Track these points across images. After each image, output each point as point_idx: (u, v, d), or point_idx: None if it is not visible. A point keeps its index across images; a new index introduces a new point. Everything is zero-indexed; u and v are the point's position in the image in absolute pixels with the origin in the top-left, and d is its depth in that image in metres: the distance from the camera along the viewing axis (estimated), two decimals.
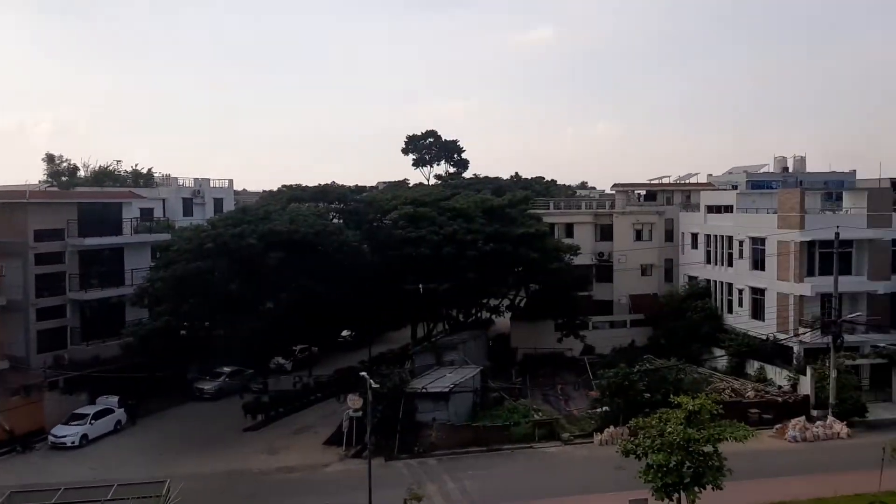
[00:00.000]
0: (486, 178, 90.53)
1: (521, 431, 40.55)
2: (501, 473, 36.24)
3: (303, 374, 51.71)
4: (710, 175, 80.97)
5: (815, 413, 42.46)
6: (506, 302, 59.79)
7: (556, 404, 46.78)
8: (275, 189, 63.15)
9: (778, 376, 46.46)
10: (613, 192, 69.45)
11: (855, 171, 76.93)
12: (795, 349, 45.96)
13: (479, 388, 45.20)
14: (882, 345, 43.91)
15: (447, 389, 41.31)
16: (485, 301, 58.90)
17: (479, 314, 61.39)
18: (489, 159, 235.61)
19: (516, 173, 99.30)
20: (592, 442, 40.27)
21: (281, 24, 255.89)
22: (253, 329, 42.93)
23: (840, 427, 40.63)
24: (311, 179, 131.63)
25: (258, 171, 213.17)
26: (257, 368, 52.05)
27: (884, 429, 39.49)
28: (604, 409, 42.02)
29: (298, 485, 35.54)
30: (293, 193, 57.99)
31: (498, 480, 35.17)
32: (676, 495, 27.82)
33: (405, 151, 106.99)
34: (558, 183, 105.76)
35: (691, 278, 58.95)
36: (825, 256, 45.30)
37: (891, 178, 66.91)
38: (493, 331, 62.96)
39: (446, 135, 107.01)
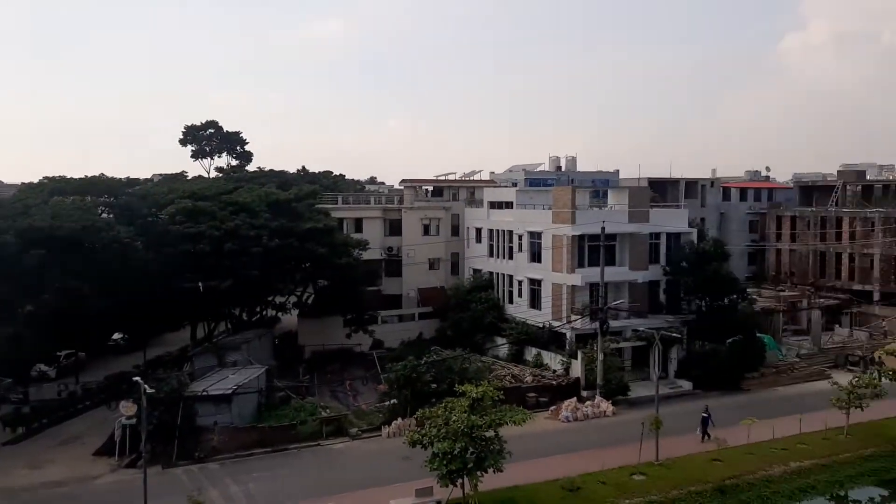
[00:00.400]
0: (272, 171, 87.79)
1: (309, 430, 39.92)
2: (288, 474, 35.42)
3: (69, 382, 47.47)
4: (493, 172, 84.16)
5: (585, 394, 45.70)
6: (293, 299, 58.64)
7: (345, 400, 46.62)
8: (35, 181, 57.26)
9: (553, 361, 49.45)
10: (402, 187, 70.43)
11: (618, 170, 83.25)
12: (568, 335, 49.15)
13: (265, 389, 43.91)
14: (641, 329, 48.08)
15: (229, 391, 39.69)
16: (270, 298, 57.39)
17: (264, 312, 59.67)
18: (275, 152, 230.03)
19: (303, 167, 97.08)
20: (381, 435, 40.51)
21: (49, 8, 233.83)
22: (10, 334, 38.96)
23: (606, 405, 44.04)
24: (77, 172, 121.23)
25: (17, 162, 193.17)
26: (16, 377, 46.98)
27: (643, 405, 43.24)
28: (392, 401, 42.43)
29: (65, 500, 32.59)
30: (56, 186, 52.90)
31: (284, 481, 34.33)
32: (460, 481, 28.77)
33: (183, 142, 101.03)
34: (347, 177, 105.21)
35: (476, 271, 61.17)
36: (593, 249, 48.78)
37: (648, 178, 73.63)
38: (279, 329, 61.54)
39: (229, 126, 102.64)
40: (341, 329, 55.39)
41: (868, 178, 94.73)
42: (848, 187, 78.94)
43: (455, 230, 65.02)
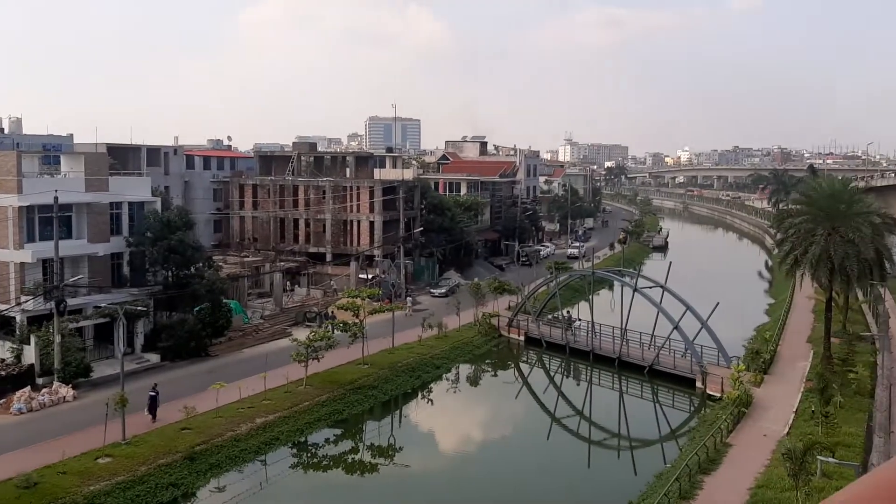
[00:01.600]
0: None
1: None
2: None
3: None
4: None
5: (41, 381, 41.54)
6: None
7: None
8: None
9: (1, 350, 43.87)
10: None
11: (73, 135, 77.11)
12: (18, 319, 44.01)
13: None
14: (104, 304, 45.52)
15: None
16: None
17: None
18: None
19: None
20: None
21: None
22: None
23: (66, 391, 40.68)
24: None
25: None
26: None
27: (108, 384, 41.05)
28: None
29: None
30: None
31: None
32: None
33: None
34: None
35: None
36: (45, 221, 44.32)
37: (107, 144, 69.66)
38: None
39: None
40: None
41: (319, 149, 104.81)
42: (302, 158, 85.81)
43: None
